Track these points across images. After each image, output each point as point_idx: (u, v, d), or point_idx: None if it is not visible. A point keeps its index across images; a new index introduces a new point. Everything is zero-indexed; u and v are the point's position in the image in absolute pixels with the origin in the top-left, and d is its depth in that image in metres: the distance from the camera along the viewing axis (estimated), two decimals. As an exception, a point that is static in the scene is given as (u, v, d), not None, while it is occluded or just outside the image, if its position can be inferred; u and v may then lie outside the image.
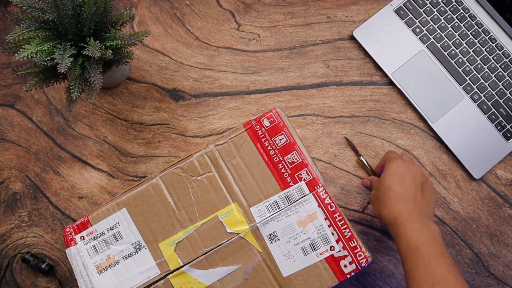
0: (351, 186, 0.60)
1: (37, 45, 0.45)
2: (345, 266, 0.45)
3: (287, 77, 0.63)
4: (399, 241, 0.45)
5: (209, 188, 0.47)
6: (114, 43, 0.47)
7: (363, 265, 0.45)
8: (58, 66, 0.44)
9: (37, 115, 0.64)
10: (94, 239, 0.47)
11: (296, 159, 0.46)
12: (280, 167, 0.47)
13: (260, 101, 0.63)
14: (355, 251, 0.45)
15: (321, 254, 0.45)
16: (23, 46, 0.45)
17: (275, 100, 0.63)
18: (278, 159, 0.47)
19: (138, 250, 0.47)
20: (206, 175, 0.47)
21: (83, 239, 0.48)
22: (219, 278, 0.45)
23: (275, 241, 0.45)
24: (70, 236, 0.48)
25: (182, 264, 0.46)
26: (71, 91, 0.48)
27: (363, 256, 0.45)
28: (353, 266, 0.44)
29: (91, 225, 0.48)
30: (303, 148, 0.47)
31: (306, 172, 0.46)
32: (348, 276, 0.44)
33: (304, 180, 0.46)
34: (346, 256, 0.45)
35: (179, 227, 0.47)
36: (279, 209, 0.46)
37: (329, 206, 0.45)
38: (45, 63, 0.46)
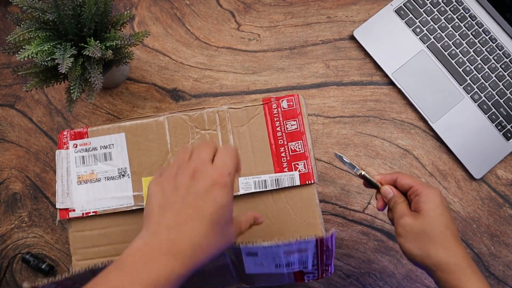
0: (351, 186, 0.60)
1: (38, 45, 0.45)
2: (308, 277, 0.45)
3: (287, 77, 0.63)
4: None
5: None
6: (114, 44, 0.47)
7: (324, 276, 0.45)
8: (58, 66, 0.44)
9: (37, 115, 0.64)
10: (85, 151, 0.48)
11: (299, 148, 0.46)
12: (281, 151, 0.46)
13: (260, 101, 0.63)
14: (323, 270, 0.44)
15: (292, 269, 0.43)
16: (23, 47, 0.45)
17: (275, 100, 0.63)
18: (282, 142, 0.46)
19: (122, 176, 0.47)
20: (210, 131, 0.47)
21: (76, 147, 0.48)
22: None
23: (252, 256, 0.42)
24: (64, 140, 0.49)
25: None
26: (71, 91, 0.48)
27: (328, 271, 0.44)
28: (315, 277, 0.45)
29: (87, 137, 0.48)
30: (310, 142, 0.46)
31: (304, 164, 0.46)
32: (306, 281, 0.45)
33: (299, 171, 0.46)
34: (313, 273, 0.44)
35: None
36: (265, 189, 0.45)
37: (325, 248, 0.41)
38: (46, 64, 0.46)
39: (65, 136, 0.49)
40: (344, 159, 0.47)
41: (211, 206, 0.32)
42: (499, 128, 0.61)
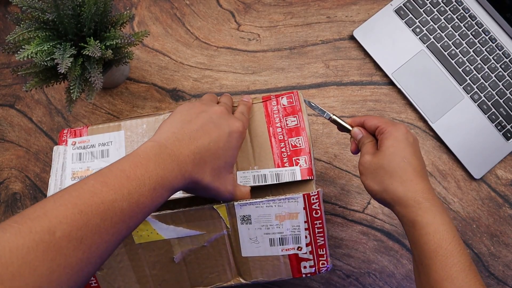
0: (351, 186, 0.60)
1: (37, 45, 0.45)
2: (305, 267, 0.44)
3: (287, 77, 0.63)
4: (422, 233, 0.36)
5: None
6: (114, 43, 0.47)
7: (322, 271, 0.44)
8: (58, 66, 0.44)
9: (37, 115, 0.64)
10: (83, 148, 0.48)
11: (300, 143, 0.46)
12: (282, 146, 0.46)
13: (260, 101, 0.63)
14: (320, 258, 0.44)
15: (286, 250, 0.44)
16: (23, 46, 0.45)
17: (275, 100, 0.63)
18: (282, 138, 0.46)
19: None
20: None
21: (74, 144, 0.49)
22: (178, 236, 0.45)
23: (246, 224, 0.44)
24: (64, 137, 0.49)
25: None
26: (71, 91, 0.48)
27: (325, 264, 0.44)
28: (312, 270, 0.45)
29: (87, 135, 0.49)
30: (310, 138, 0.46)
31: (305, 160, 0.45)
32: (303, 275, 0.45)
33: (300, 166, 0.45)
34: (309, 259, 0.44)
35: None
36: (265, 183, 0.45)
37: (314, 212, 0.44)
38: (45, 63, 0.46)
39: (65, 133, 0.49)
40: (313, 104, 0.47)
41: (224, 141, 0.38)
42: (499, 128, 0.61)
